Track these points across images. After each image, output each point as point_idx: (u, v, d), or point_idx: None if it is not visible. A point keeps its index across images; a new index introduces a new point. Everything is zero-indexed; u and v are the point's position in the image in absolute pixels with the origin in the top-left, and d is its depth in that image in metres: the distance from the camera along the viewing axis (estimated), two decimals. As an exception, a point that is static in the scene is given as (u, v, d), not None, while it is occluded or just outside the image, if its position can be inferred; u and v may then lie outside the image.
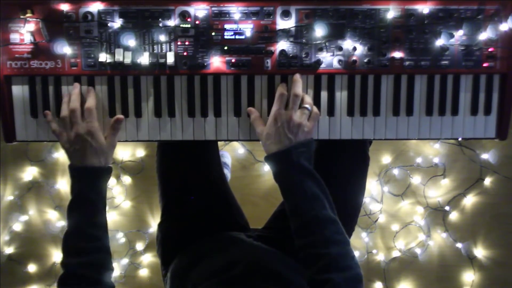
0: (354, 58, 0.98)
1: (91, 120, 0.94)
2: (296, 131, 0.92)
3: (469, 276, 1.97)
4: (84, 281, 0.88)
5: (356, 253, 1.96)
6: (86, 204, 0.92)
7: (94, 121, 0.95)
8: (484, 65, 0.99)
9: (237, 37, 0.97)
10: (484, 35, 0.97)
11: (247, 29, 0.97)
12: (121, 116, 0.99)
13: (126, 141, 1.02)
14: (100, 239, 0.93)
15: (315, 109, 0.96)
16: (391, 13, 0.96)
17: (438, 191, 1.95)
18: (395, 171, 1.94)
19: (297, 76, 0.97)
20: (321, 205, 0.88)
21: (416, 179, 1.94)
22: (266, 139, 0.94)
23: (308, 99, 0.96)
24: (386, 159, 1.94)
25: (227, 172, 1.79)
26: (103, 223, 0.94)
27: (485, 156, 1.92)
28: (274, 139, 0.93)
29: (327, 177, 1.06)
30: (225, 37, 0.97)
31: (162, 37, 0.97)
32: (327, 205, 0.89)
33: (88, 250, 0.90)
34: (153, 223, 1.97)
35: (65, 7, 0.96)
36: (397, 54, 0.98)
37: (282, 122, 0.92)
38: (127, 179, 1.97)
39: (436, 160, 1.93)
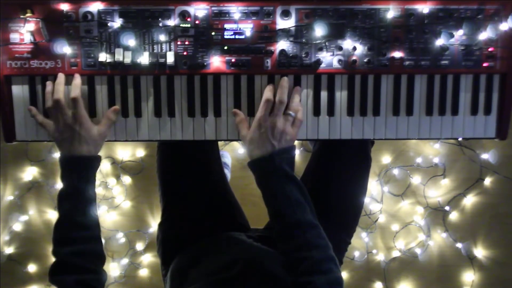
0: (354, 58, 0.98)
1: (78, 108, 0.93)
2: (279, 138, 0.92)
3: (469, 276, 1.97)
4: (76, 269, 0.88)
5: (356, 253, 1.96)
6: (75, 193, 0.92)
7: (81, 109, 0.94)
8: (484, 65, 0.99)
9: (237, 37, 0.97)
10: (484, 35, 0.97)
11: (247, 29, 0.97)
12: (117, 107, 0.99)
13: (126, 141, 1.02)
14: (90, 229, 0.92)
15: (299, 115, 0.95)
16: (391, 13, 0.96)
17: (438, 191, 1.95)
18: (395, 171, 1.94)
19: (284, 82, 0.95)
20: (303, 210, 0.89)
21: (416, 179, 1.94)
22: (249, 144, 0.95)
23: (294, 104, 0.95)
24: (386, 159, 1.94)
25: (227, 172, 1.78)
26: (92, 212, 0.93)
27: (485, 156, 1.92)
28: (257, 145, 0.93)
29: (329, 178, 1.06)
30: (225, 37, 0.97)
31: (162, 37, 0.97)
32: (309, 210, 0.90)
33: (79, 239, 0.90)
34: (153, 223, 1.97)
35: (65, 7, 0.96)
36: (397, 54, 0.98)
37: (266, 128, 0.92)
38: (127, 179, 1.96)
39: (436, 160, 1.93)
